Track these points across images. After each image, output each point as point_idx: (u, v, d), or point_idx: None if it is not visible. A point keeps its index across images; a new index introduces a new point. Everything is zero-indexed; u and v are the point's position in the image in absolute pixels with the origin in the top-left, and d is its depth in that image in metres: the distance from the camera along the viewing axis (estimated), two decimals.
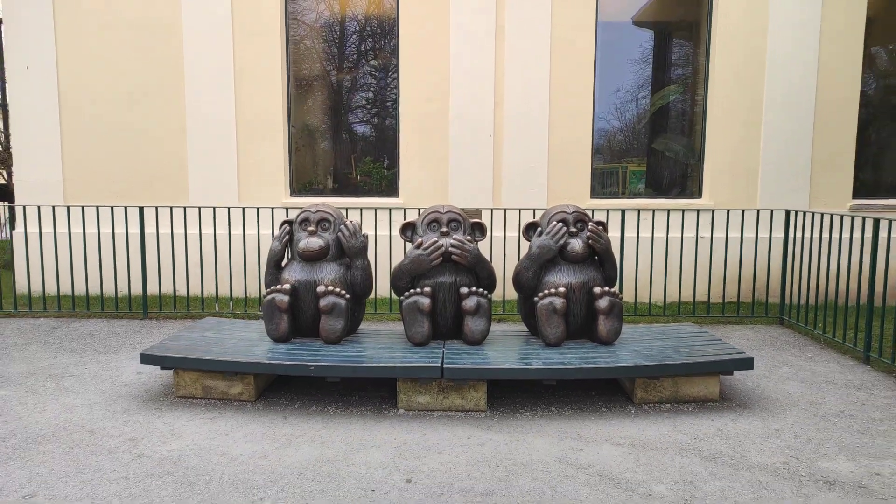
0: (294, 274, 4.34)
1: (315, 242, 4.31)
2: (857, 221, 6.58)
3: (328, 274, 4.32)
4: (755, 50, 7.04)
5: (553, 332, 4.22)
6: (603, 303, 4.23)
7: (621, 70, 7.48)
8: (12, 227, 7.48)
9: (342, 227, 4.40)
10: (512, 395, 4.25)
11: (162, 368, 4.15)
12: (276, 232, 4.62)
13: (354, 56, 7.64)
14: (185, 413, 3.92)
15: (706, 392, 4.09)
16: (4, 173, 12.34)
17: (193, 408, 4.00)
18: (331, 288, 4.22)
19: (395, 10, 7.19)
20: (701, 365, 3.98)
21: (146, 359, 4.06)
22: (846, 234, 6.58)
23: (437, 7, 7.02)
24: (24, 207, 6.51)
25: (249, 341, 4.36)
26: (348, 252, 4.37)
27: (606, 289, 4.28)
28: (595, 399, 4.19)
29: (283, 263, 4.52)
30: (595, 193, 7.38)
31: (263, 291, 6.06)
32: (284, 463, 3.26)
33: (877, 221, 4.77)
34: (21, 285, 7.11)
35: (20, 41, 7.10)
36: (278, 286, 4.28)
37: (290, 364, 3.93)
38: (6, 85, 10.64)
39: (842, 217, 5.40)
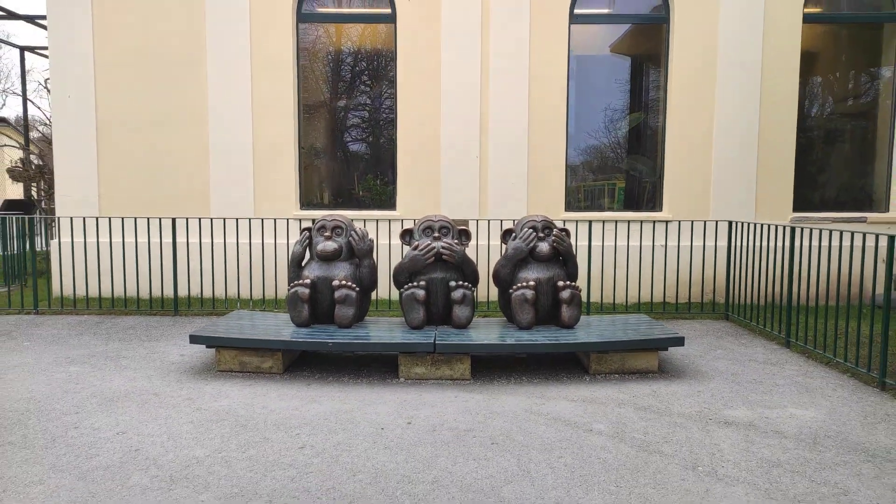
0: (313, 271, 5.31)
1: (331, 245, 5.29)
2: (786, 230, 7.60)
3: (341, 271, 5.29)
4: (706, 81, 8.11)
5: (525, 317, 5.20)
6: (565, 294, 5.22)
7: (595, 97, 8.55)
8: (51, 238, 8.38)
9: (352, 232, 5.38)
10: (491, 368, 5.22)
11: (207, 347, 5.09)
12: (298, 238, 5.56)
13: (357, 85, 8.67)
14: (227, 382, 4.86)
15: (647, 365, 5.07)
16: (36, 189, 13.20)
17: (233, 378, 4.95)
18: (343, 282, 5.19)
19: (394, 45, 8.22)
20: (641, 342, 4.98)
21: (195, 339, 5.01)
22: (781, 243, 7.61)
23: (429, 44, 8.06)
24: (70, 219, 7.44)
25: (276, 326, 5.32)
26: (357, 253, 5.35)
27: (568, 283, 5.27)
28: (558, 371, 5.16)
29: (303, 263, 5.48)
30: (569, 207, 8.40)
31: (286, 287, 7.00)
32: (312, 413, 4.21)
33: (791, 230, 5.79)
34: (61, 288, 8.01)
35: (64, 74, 8.08)
36: (300, 281, 5.25)
37: (311, 342, 4.90)
38: (51, 114, 11.58)
39: (774, 226, 6.42)
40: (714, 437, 3.82)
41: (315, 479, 3.25)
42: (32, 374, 5.07)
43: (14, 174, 13.08)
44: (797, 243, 5.88)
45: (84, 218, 7.59)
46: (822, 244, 7.18)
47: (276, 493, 3.11)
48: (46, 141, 13.47)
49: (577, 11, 8.22)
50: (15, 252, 8.79)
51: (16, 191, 25.22)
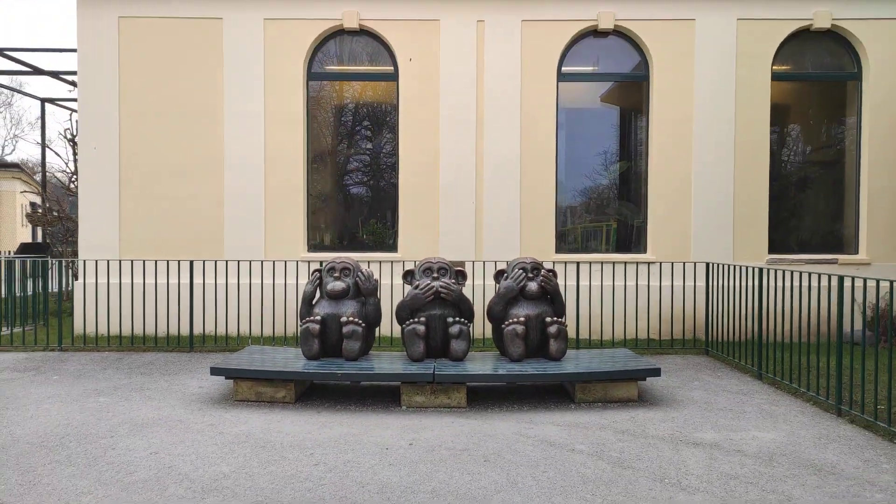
0: (323, 308, 5.84)
1: (339, 285, 5.84)
2: (756, 271, 8.16)
3: (349, 308, 5.82)
4: (684, 133, 8.79)
5: (516, 350, 5.71)
6: (553, 329, 5.74)
7: (584, 146, 9.24)
8: (75, 279, 8.91)
9: (359, 273, 5.93)
10: (485, 396, 5.71)
11: (226, 378, 5.59)
12: (309, 278, 6.11)
13: (361, 136, 9.36)
14: (244, 410, 5.34)
15: (628, 394, 5.56)
16: (50, 233, 13.76)
17: (250, 407, 5.42)
18: (351, 318, 5.71)
19: (396, 100, 8.93)
20: (621, 373, 5.48)
21: (215, 371, 5.51)
22: (755, 283, 8.16)
23: (429, 99, 8.76)
24: (96, 262, 7.99)
25: (288, 359, 5.82)
26: (364, 292, 5.89)
27: (556, 319, 5.80)
28: (546, 400, 5.65)
29: (314, 301, 6.02)
30: (560, 249, 8.97)
31: (295, 324, 7.51)
32: (323, 436, 4.68)
33: (760, 271, 6.35)
34: (80, 326, 8.50)
35: (91, 127, 8.75)
36: (311, 317, 5.77)
37: (322, 372, 5.40)
38: (77, 163, 12.27)
39: (747, 267, 6.97)
40: (682, 455, 4.29)
41: (329, 490, 3.72)
42: (65, 403, 5.54)
43: (32, 219, 13.68)
44: (770, 283, 6.41)
45: (108, 261, 8.15)
46: (795, 284, 7.72)
47: (296, 501, 3.58)
48: (63, 187, 14.11)
49: (564, 70, 8.96)
50: (29, 293, 9.30)
51: (24, 233, 25.89)
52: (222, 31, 8.74)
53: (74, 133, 13.04)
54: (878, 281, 4.95)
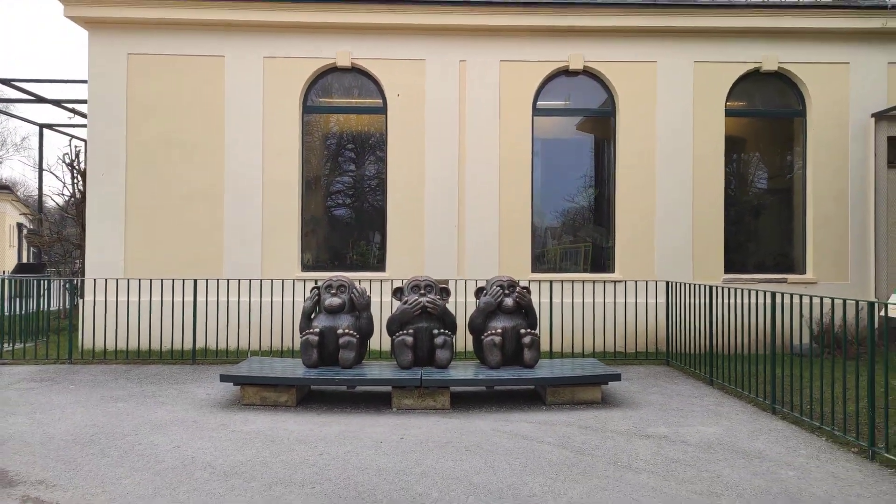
0: (321, 322, 6.51)
1: (336, 300, 6.52)
2: (705, 289, 8.99)
3: (344, 321, 6.50)
4: (647, 163, 9.65)
5: (494, 358, 6.42)
6: (527, 339, 6.46)
7: (559, 173, 10.06)
8: (81, 297, 9.45)
9: (354, 290, 6.62)
10: (467, 400, 6.39)
11: (234, 384, 6.22)
12: (309, 295, 6.76)
13: (351, 164, 10.09)
14: (251, 412, 5.96)
15: (592, 397, 6.28)
16: (47, 253, 14.22)
17: (256, 410, 6.05)
18: (347, 331, 6.38)
19: (384, 131, 9.69)
20: (586, 377, 6.21)
21: (224, 378, 6.14)
22: (708, 300, 8.97)
23: (415, 130, 9.54)
24: (105, 280, 8.57)
25: (289, 368, 6.46)
26: (358, 307, 6.58)
27: (529, 330, 6.52)
28: (520, 402, 6.35)
29: (312, 315, 6.68)
30: (535, 269, 9.73)
31: (291, 338, 8.15)
32: (324, 432, 5.33)
33: (710, 289, 7.14)
34: (89, 341, 9.03)
35: (100, 155, 9.38)
36: (311, 330, 6.43)
37: (321, 378, 6.05)
38: (75, 187, 12.81)
39: (701, 286, 7.77)
40: (635, 445, 5.02)
41: (333, 473, 4.38)
42: (87, 408, 6.12)
43: (31, 240, 14.15)
44: (721, 300, 7.20)
45: (117, 280, 8.73)
46: (745, 301, 8.52)
47: (307, 481, 4.23)
48: (62, 210, 14.60)
49: (538, 105, 9.81)
50: (27, 310, 9.81)
51: (11, 254, 26.08)
52: (224, 68, 9.46)
53: (73, 158, 13.62)
54: (821, 298, 5.74)
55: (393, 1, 9.48)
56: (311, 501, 3.91)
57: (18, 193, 28.60)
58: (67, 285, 11.37)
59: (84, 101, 13.30)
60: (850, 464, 4.58)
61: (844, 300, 5.13)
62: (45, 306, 9.85)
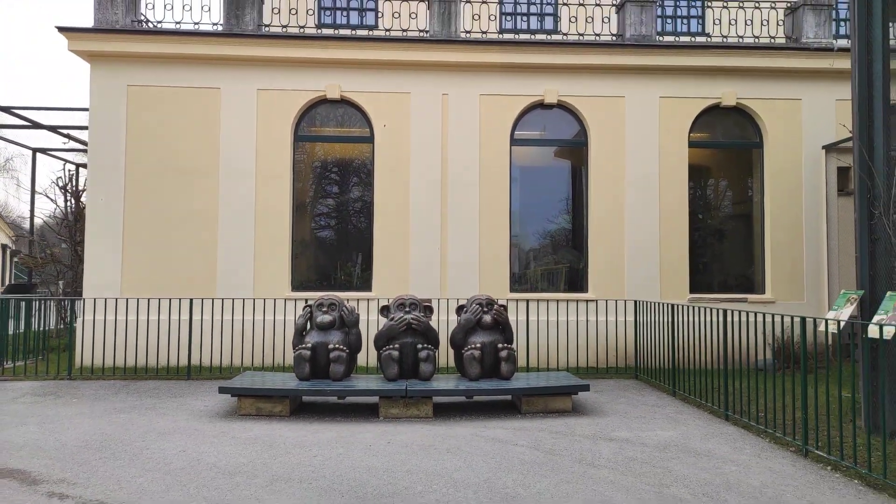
0: (313, 337, 7.02)
1: (327, 318, 7.03)
2: (667, 307, 9.64)
3: (335, 337, 7.01)
4: (617, 190, 10.33)
5: (473, 371, 6.96)
6: (503, 353, 7.02)
7: (536, 199, 10.71)
8: (76, 317, 9.82)
9: (343, 308, 7.15)
10: (448, 409, 6.91)
11: (232, 395, 6.68)
12: (301, 313, 7.26)
13: (341, 190, 10.66)
14: (248, 421, 6.43)
15: (563, 406, 6.84)
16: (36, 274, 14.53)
17: (252, 419, 6.51)
18: (337, 346, 6.89)
19: (371, 159, 10.29)
20: (557, 388, 6.78)
21: (223, 389, 6.61)
22: (670, 318, 9.61)
23: (401, 159, 10.14)
24: (105, 300, 8.99)
25: (283, 380, 6.94)
26: (347, 324, 7.10)
27: (506, 345, 7.08)
28: (498, 411, 6.89)
29: (304, 332, 7.18)
30: (513, 288, 10.32)
31: (282, 354, 8.62)
32: (317, 438, 5.82)
33: (672, 308, 7.76)
34: (86, 358, 9.40)
35: (99, 180, 9.84)
36: (303, 345, 6.93)
37: (314, 390, 6.55)
38: (68, 210, 13.18)
39: (664, 304, 8.40)
40: (599, 446, 5.58)
41: (329, 472, 4.87)
42: (93, 419, 6.54)
43: (25, 261, 14.46)
44: (689, 318, 7.80)
45: (116, 300, 9.16)
46: (708, 319, 9.18)
47: (305, 478, 4.72)
48: (54, 231, 14.94)
49: (516, 136, 10.49)
50: (22, 329, 10.16)
51: None
52: (220, 99, 10.03)
53: (67, 181, 14.03)
54: (782, 316, 6.36)
55: (380, 39, 10.16)
56: (309, 494, 4.40)
57: (3, 215, 28.71)
58: (68, 305, 11.71)
59: (77, 127, 13.80)
60: (786, 460, 5.18)
61: (792, 317, 5.77)
62: (43, 325, 10.20)
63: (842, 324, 5.84)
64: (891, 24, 6.32)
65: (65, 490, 4.45)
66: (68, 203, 13.88)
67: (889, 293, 5.66)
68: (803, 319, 5.45)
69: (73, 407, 7.08)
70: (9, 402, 7.29)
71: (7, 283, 19.02)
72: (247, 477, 4.74)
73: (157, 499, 4.33)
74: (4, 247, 27.25)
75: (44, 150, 15.46)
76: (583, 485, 4.59)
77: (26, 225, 19.93)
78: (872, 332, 5.23)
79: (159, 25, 10.31)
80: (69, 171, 14.19)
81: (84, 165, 15.78)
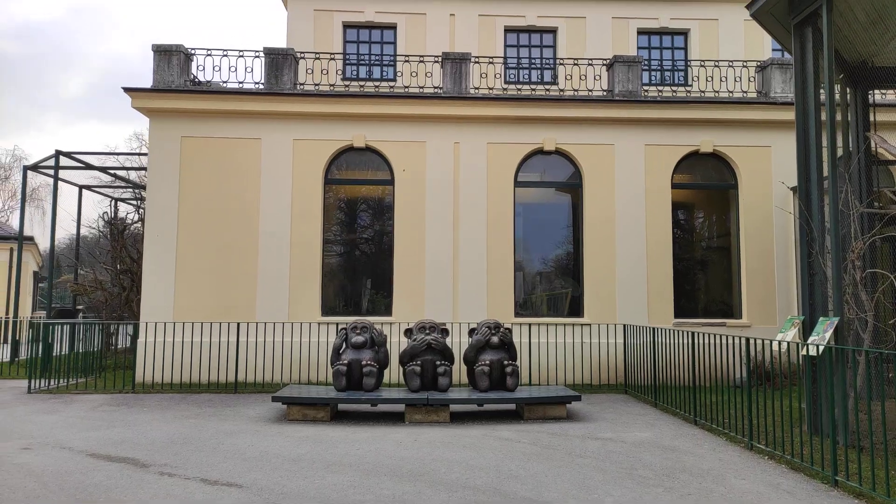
0: (348, 355, 8.36)
1: (360, 338, 8.39)
2: (648, 330, 10.93)
3: (367, 355, 8.35)
4: (608, 226, 11.71)
5: (483, 384, 8.28)
6: (509, 369, 8.34)
7: (537, 233, 12.09)
8: (136, 338, 11.20)
9: (373, 330, 8.50)
10: (462, 416, 8.22)
11: (282, 403, 8.02)
12: (338, 334, 8.60)
13: (365, 227, 12.08)
14: (297, 425, 7.75)
15: (559, 413, 8.13)
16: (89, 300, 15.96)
17: (300, 423, 7.84)
18: (369, 362, 8.23)
19: (392, 199, 11.72)
20: (554, 398, 8.08)
21: (275, 398, 7.95)
22: (651, 339, 10.90)
23: (417, 199, 11.57)
24: (165, 325, 10.37)
25: (324, 391, 8.28)
26: (377, 343, 8.45)
27: (511, 362, 8.41)
28: (504, 418, 8.19)
29: (340, 350, 8.53)
30: (518, 314, 11.65)
31: (315, 371, 9.95)
32: (357, 436, 7.13)
33: (653, 330, 9.08)
34: (146, 375, 10.75)
35: (156, 218, 11.30)
36: (340, 362, 8.27)
37: (350, 399, 7.88)
38: (112, 242, 14.65)
39: (650, 328, 9.70)
40: (586, 443, 6.87)
41: (370, 459, 6.19)
42: (167, 422, 7.87)
43: (74, 289, 15.91)
44: (669, 341, 9.07)
45: (173, 323, 10.53)
46: (684, 342, 10.48)
47: (352, 464, 6.04)
48: (101, 262, 16.39)
49: (519, 178, 11.93)
50: (75, 350, 11.52)
51: (27, 300, 27.50)
52: (261, 148, 11.53)
53: (112, 216, 15.55)
54: (758, 339, 7.69)
55: (400, 95, 11.67)
56: (359, 473, 5.72)
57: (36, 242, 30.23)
58: (117, 329, 13.12)
59: (124, 168, 15.35)
60: (734, 453, 6.47)
61: (747, 339, 7.08)
62: (100, 346, 11.58)
63: (783, 345, 7.15)
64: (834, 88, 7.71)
65: (170, 472, 5.78)
66: (112, 235, 15.36)
67: (821, 318, 6.99)
68: (748, 340, 6.78)
69: (146, 414, 8.42)
70: (90, 411, 8.64)
71: (63, 307, 20.44)
72: (308, 462, 6.06)
73: (244, 476, 5.65)
74: (36, 274, 28.76)
75: (90, 188, 17.01)
76: (570, 469, 5.90)
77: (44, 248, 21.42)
78: (812, 350, 6.55)
79: (209, 85, 11.85)
80: (114, 206, 15.72)
81: (123, 200, 17.36)
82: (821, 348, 6.41)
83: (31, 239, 24.18)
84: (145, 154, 13.92)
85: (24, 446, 6.62)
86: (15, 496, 5.07)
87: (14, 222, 35.85)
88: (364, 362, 8.24)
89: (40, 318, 16.65)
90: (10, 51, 63.09)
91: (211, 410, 8.68)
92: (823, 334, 6.76)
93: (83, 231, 19.02)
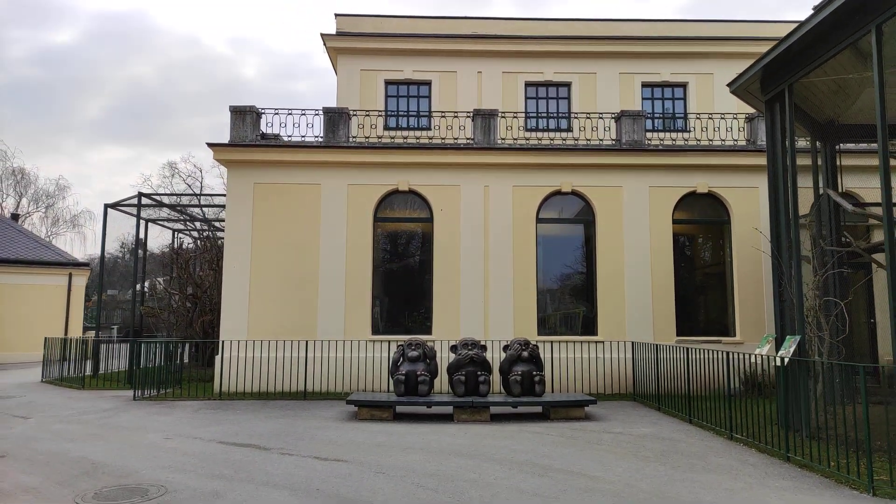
0: (405, 367, 10.26)
1: (415, 353, 10.29)
2: (652, 347, 12.71)
3: (420, 366, 10.24)
4: (617, 255, 13.58)
5: (516, 390, 10.14)
6: (537, 378, 10.20)
7: (556, 263, 13.98)
8: (216, 354, 13.17)
9: (425, 346, 10.41)
10: (499, 417, 10.08)
11: (355, 406, 9.92)
12: (396, 349, 10.49)
13: (408, 257, 14.05)
14: (367, 423, 9.63)
15: (579, 414, 9.96)
16: (161, 321, 18.01)
17: (369, 422, 9.72)
18: (422, 373, 10.12)
19: (431, 234, 13.68)
20: (574, 402, 9.93)
21: (349, 401, 9.86)
22: (655, 355, 12.68)
23: (452, 234, 13.52)
24: (240, 342, 12.33)
25: (386, 396, 10.17)
26: (428, 357, 10.34)
27: (539, 373, 10.26)
28: (534, 418, 10.03)
29: (399, 363, 10.42)
30: (540, 332, 13.50)
31: (369, 382, 11.87)
32: (418, 430, 9.00)
33: (656, 347, 10.91)
34: (224, 386, 12.68)
35: (233, 252, 13.33)
36: (399, 373, 10.17)
37: (409, 401, 9.78)
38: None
39: (654, 345, 11.51)
40: (602, 436, 8.70)
41: (434, 445, 8.05)
42: (262, 421, 9.78)
43: (147, 312, 17.98)
44: (670, 356, 10.87)
45: (248, 342, 12.49)
46: (679, 357, 12.28)
47: (422, 448, 7.91)
48: (166, 289, 18.47)
49: (540, 216, 13.86)
50: (158, 364, 13.47)
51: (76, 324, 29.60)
52: (321, 192, 13.56)
53: (177, 249, 17.63)
54: (739, 353, 9.50)
55: (437, 147, 13.69)
56: (429, 454, 7.59)
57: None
58: (194, 346, 15.09)
59: (192, 206, 17.45)
60: (718, 442, 8.28)
61: (729, 353, 8.89)
62: (181, 361, 13.56)
63: (761, 358, 8.94)
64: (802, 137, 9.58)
65: (288, 452, 7.68)
66: (179, 266, 17.43)
67: (787, 336, 8.81)
68: (728, 355, 8.61)
69: (241, 415, 10.34)
70: (194, 413, 10.57)
71: (136, 328, 22.48)
72: (388, 447, 7.94)
73: (346, 455, 7.53)
74: (88, 295, 30.98)
75: (154, 221, 19.14)
76: (590, 451, 7.73)
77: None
78: (779, 361, 8.36)
79: (276, 139, 13.94)
80: (178, 239, 17.81)
81: (180, 231, 19.46)
82: (786, 360, 8.24)
83: (87, 265, 26.41)
84: (206, 194, 16.02)
85: (165, 437, 8.56)
86: (185, 465, 7.00)
87: (60, 245, 38.30)
88: (419, 373, 10.13)
89: (110, 337, 18.69)
90: (30, 75, 66.44)
91: (292, 413, 10.59)
92: (788, 349, 8.57)
93: (118, 253, 21.25)
